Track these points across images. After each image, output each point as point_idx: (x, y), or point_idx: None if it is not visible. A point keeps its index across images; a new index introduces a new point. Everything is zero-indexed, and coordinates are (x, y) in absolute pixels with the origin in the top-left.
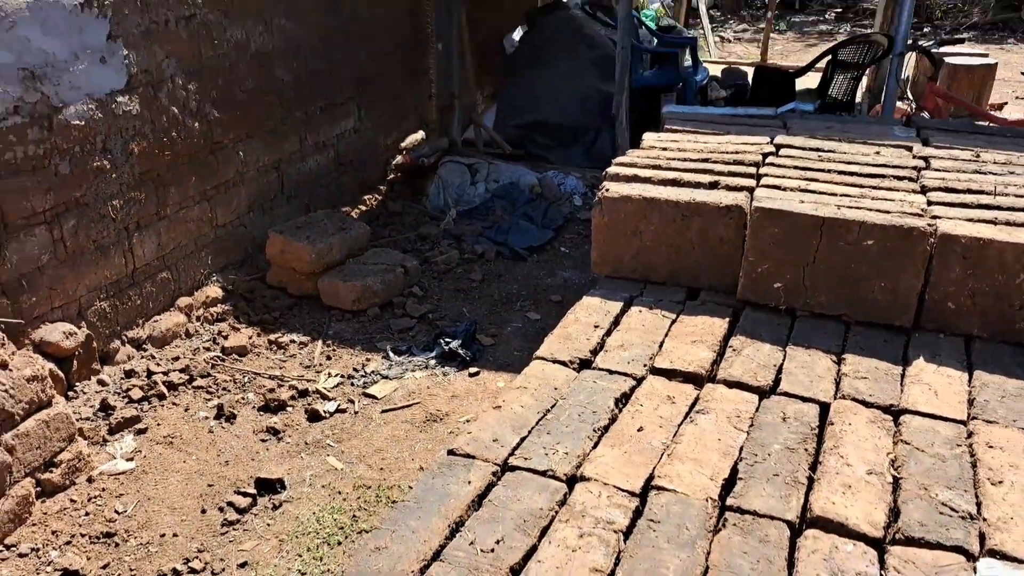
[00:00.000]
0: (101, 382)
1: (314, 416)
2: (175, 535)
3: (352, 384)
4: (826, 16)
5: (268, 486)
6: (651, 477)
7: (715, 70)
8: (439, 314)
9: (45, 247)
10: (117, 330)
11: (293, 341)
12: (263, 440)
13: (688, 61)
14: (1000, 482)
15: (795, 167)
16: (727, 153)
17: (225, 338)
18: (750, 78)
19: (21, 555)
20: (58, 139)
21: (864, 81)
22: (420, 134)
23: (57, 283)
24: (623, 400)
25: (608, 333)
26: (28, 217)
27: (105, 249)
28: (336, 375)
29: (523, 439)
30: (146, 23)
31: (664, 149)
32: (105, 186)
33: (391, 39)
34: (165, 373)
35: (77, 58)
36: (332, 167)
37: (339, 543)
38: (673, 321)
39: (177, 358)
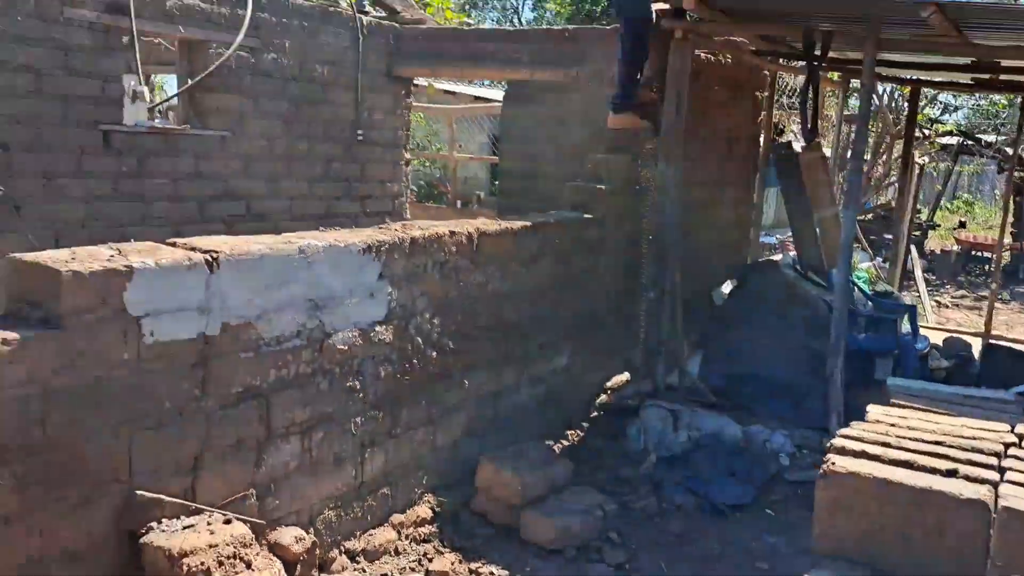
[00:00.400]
0: None
1: None
2: None
3: None
4: None
5: None
6: None
7: (933, 336)
8: (636, 565)
9: (295, 455)
10: (337, 539)
11: (492, 573)
12: None
13: (907, 327)
14: None
15: None
16: (963, 438)
17: (430, 560)
18: (974, 350)
19: None
20: (324, 360)
21: None
22: (625, 375)
23: (298, 490)
24: None
25: None
26: (288, 427)
27: (342, 462)
28: None
29: None
30: (410, 267)
31: (892, 425)
32: (352, 404)
33: (606, 287)
34: None
35: (352, 293)
36: (542, 401)
37: None
38: None
39: (385, 575)
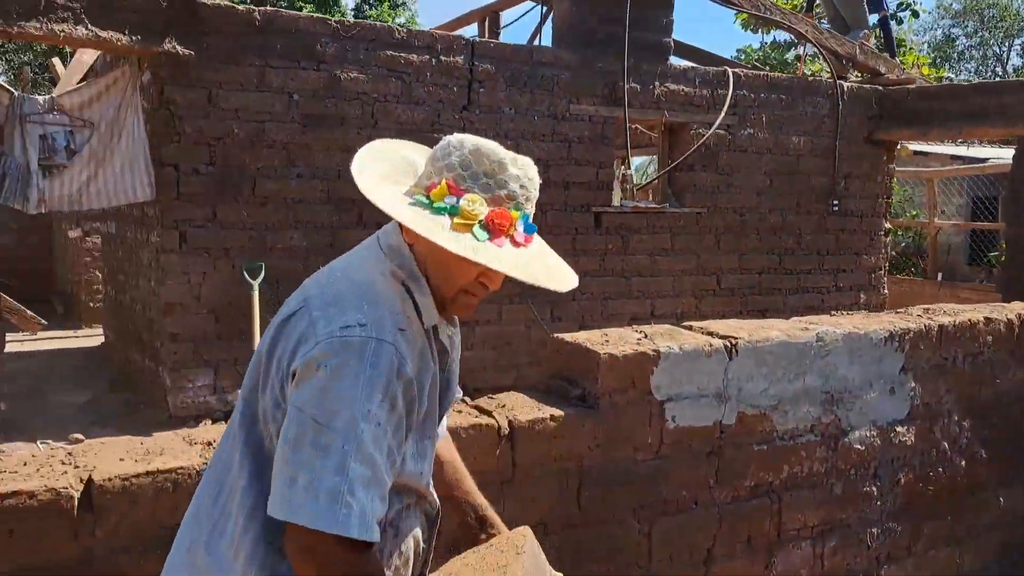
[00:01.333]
0: None
1: None
2: None
3: None
4: None
5: None
6: None
7: None
8: None
9: (806, 562)
10: None
11: None
12: None
13: None
14: None
15: None
16: None
17: None
18: None
19: None
20: (839, 460)
21: None
22: None
23: None
24: None
25: None
26: (799, 530)
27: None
28: None
29: None
30: (936, 359)
31: None
32: (868, 512)
33: None
34: None
35: (870, 387)
36: None
37: None
38: None
39: None
